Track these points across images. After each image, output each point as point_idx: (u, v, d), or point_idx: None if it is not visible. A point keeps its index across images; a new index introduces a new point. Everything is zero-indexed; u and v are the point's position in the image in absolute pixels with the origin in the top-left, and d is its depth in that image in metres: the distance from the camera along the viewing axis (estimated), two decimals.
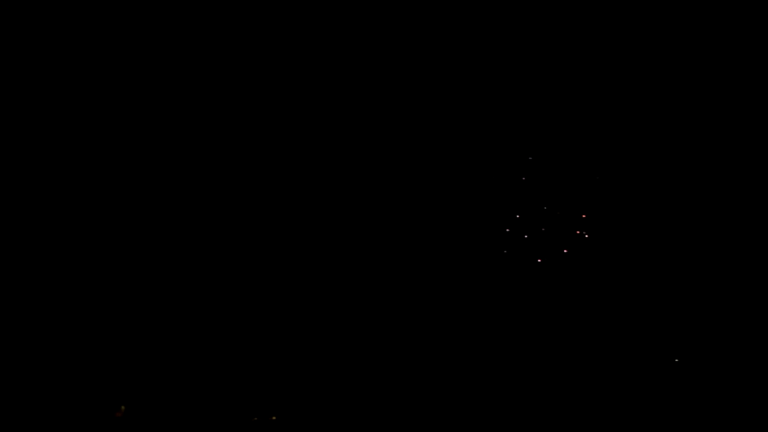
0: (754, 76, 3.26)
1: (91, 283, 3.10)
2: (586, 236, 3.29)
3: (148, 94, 3.26)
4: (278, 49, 3.34)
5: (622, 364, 3.17)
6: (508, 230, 3.32)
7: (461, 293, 3.28)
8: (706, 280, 3.20)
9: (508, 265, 3.30)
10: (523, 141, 3.40)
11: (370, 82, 3.37)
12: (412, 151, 3.38)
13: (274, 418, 3.07)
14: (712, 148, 3.29)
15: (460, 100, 3.42)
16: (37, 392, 2.97)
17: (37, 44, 3.17)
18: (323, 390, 3.11)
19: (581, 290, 3.27)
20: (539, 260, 3.27)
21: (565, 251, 3.28)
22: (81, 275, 3.10)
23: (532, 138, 3.41)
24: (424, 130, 3.40)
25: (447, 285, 3.29)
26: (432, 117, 3.40)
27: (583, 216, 3.31)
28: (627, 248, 3.29)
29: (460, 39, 3.39)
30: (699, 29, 3.29)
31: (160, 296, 3.13)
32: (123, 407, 2.97)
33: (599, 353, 3.19)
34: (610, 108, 3.37)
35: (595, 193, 3.34)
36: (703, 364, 3.13)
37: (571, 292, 3.27)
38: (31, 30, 3.18)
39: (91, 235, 3.14)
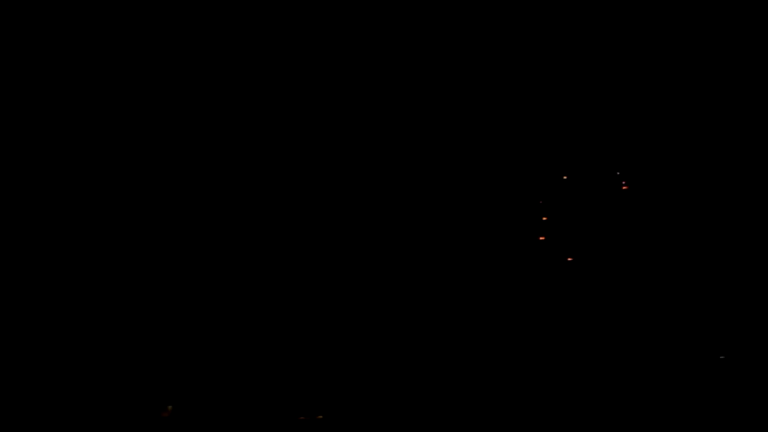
0: (754, 77, 3.39)
1: (127, 287, 3.03)
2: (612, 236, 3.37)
3: (147, 94, 3.22)
4: (278, 49, 3.33)
5: (635, 364, 3.26)
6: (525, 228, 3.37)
7: (471, 293, 3.32)
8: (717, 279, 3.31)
9: (523, 265, 3.35)
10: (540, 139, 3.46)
11: (370, 81, 3.39)
12: (421, 150, 3.41)
13: (320, 417, 3.05)
14: (714, 149, 3.41)
15: (469, 99, 3.46)
16: (85, 392, 2.88)
17: (37, 44, 3.10)
18: (359, 390, 3.11)
19: (595, 290, 3.35)
20: (563, 259, 3.33)
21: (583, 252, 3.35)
22: (120, 278, 3.03)
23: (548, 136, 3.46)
24: (438, 128, 3.43)
25: (456, 285, 3.33)
26: (445, 116, 3.44)
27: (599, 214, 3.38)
28: (644, 249, 3.39)
29: (464, 39, 3.44)
30: (700, 29, 3.41)
31: (197, 299, 3.09)
32: (170, 407, 2.90)
33: (616, 354, 3.27)
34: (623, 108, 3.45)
35: (610, 195, 3.43)
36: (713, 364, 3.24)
37: (586, 292, 3.35)
38: (31, 30, 3.11)
39: (133, 236, 3.08)
